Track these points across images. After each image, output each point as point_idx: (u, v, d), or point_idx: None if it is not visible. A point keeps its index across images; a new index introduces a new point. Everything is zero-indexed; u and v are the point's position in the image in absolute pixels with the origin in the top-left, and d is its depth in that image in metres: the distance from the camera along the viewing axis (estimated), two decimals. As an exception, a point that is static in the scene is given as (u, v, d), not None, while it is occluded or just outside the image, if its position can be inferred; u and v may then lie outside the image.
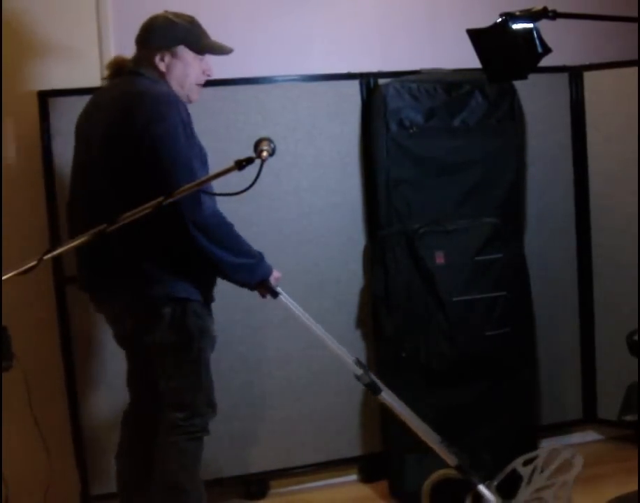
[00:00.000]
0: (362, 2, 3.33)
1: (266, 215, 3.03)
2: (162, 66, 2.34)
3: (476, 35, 1.95)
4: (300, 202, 3.07)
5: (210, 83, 2.94)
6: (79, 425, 2.94)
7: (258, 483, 3.15)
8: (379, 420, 3.14)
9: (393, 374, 2.99)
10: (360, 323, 3.15)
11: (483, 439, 3.01)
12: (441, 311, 2.94)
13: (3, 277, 1.64)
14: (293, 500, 3.14)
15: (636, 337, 2.70)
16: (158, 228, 2.19)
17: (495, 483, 2.49)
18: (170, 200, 1.84)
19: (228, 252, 2.26)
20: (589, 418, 3.43)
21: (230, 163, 1.90)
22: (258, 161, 1.94)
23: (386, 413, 3.03)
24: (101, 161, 2.27)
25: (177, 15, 2.39)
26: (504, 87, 3.08)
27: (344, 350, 2.43)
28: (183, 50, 2.36)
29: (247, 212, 2.99)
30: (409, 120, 2.99)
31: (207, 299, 2.40)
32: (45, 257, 1.73)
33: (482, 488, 2.41)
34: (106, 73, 2.45)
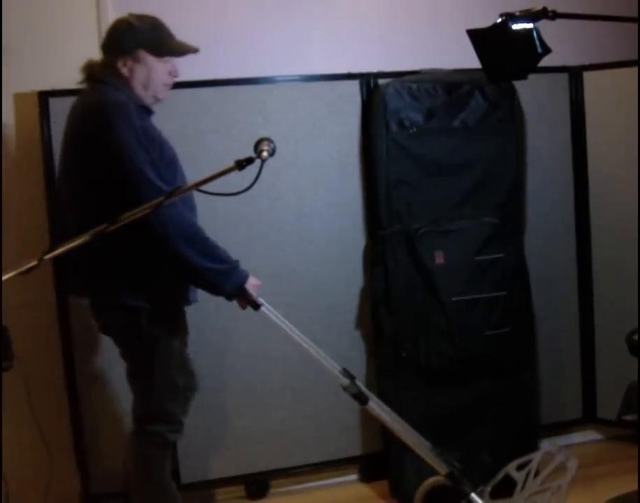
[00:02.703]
0: (362, 2, 3.34)
1: (266, 215, 3.03)
2: (125, 71, 2.33)
3: (476, 36, 1.95)
4: (300, 203, 3.06)
5: (210, 83, 2.96)
6: (79, 425, 2.94)
7: (258, 483, 3.15)
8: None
9: (393, 374, 2.99)
10: (360, 323, 3.15)
11: (483, 439, 3.01)
12: (441, 311, 2.94)
13: (3, 277, 1.64)
14: (293, 500, 3.14)
15: (636, 337, 2.70)
16: (127, 232, 2.16)
17: (489, 488, 2.45)
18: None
19: (196, 253, 2.19)
20: (588, 418, 3.43)
21: (231, 163, 1.91)
22: (258, 161, 1.95)
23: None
24: (66, 170, 2.36)
25: (139, 17, 2.35)
26: (504, 87, 3.08)
27: (331, 361, 2.35)
28: (144, 54, 2.32)
29: (247, 212, 2.99)
30: (409, 120, 2.99)
31: (170, 308, 2.38)
32: (46, 257, 1.73)
33: (474, 497, 2.36)
34: (80, 77, 2.39)
